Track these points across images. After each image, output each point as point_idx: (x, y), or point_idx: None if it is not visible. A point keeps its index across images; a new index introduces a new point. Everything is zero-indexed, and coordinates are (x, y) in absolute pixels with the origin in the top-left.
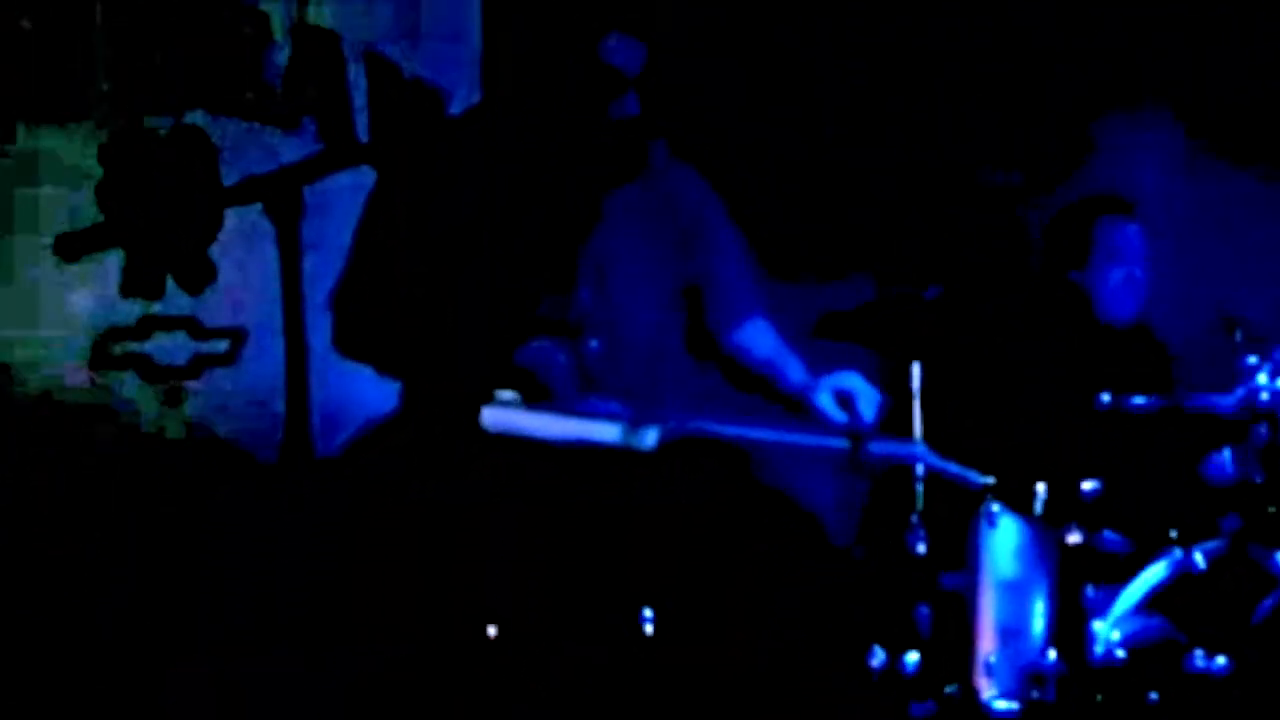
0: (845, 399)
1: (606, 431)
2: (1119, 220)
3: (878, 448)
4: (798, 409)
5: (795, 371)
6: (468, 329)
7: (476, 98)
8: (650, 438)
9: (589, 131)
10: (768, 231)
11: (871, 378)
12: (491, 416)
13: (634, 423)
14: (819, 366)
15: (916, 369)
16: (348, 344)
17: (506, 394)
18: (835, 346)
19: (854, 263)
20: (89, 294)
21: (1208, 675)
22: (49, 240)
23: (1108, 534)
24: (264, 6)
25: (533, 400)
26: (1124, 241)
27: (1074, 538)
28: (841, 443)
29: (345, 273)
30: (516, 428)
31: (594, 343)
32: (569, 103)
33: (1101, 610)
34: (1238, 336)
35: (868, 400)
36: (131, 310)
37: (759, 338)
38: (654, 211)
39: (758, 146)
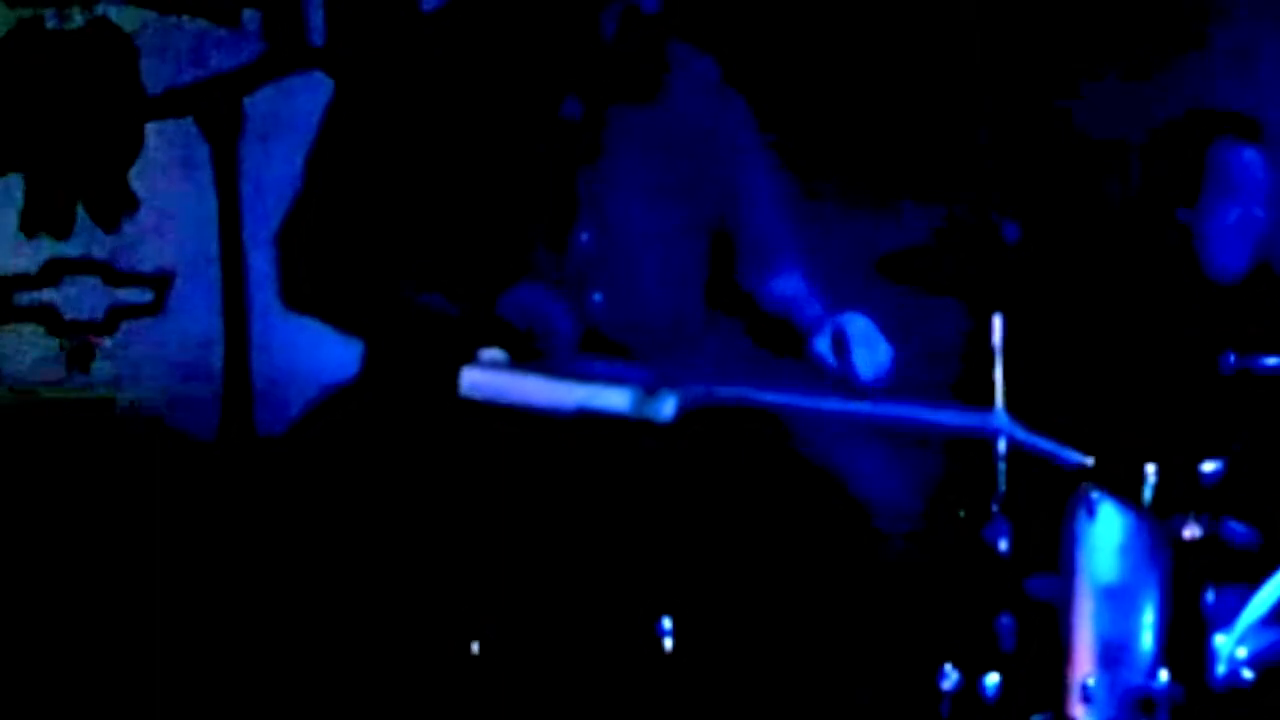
0: (840, 342)
1: (614, 398)
2: (1239, 145)
3: (948, 416)
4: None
5: (812, 309)
6: (443, 276)
7: None
8: (668, 406)
9: (592, 34)
10: (816, 153)
11: (942, 330)
12: (472, 381)
13: (649, 388)
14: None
15: (998, 322)
16: (296, 295)
17: (491, 353)
18: (896, 293)
19: (918, 192)
20: None
21: None
22: None
23: (1232, 524)
24: None
25: (523, 360)
26: (1243, 172)
27: (1191, 531)
28: (916, 415)
29: (294, 206)
30: (503, 394)
31: (597, 295)
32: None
33: (1225, 621)
34: None
35: (867, 347)
36: (34, 251)
37: (788, 286)
38: (671, 136)
39: (803, 54)
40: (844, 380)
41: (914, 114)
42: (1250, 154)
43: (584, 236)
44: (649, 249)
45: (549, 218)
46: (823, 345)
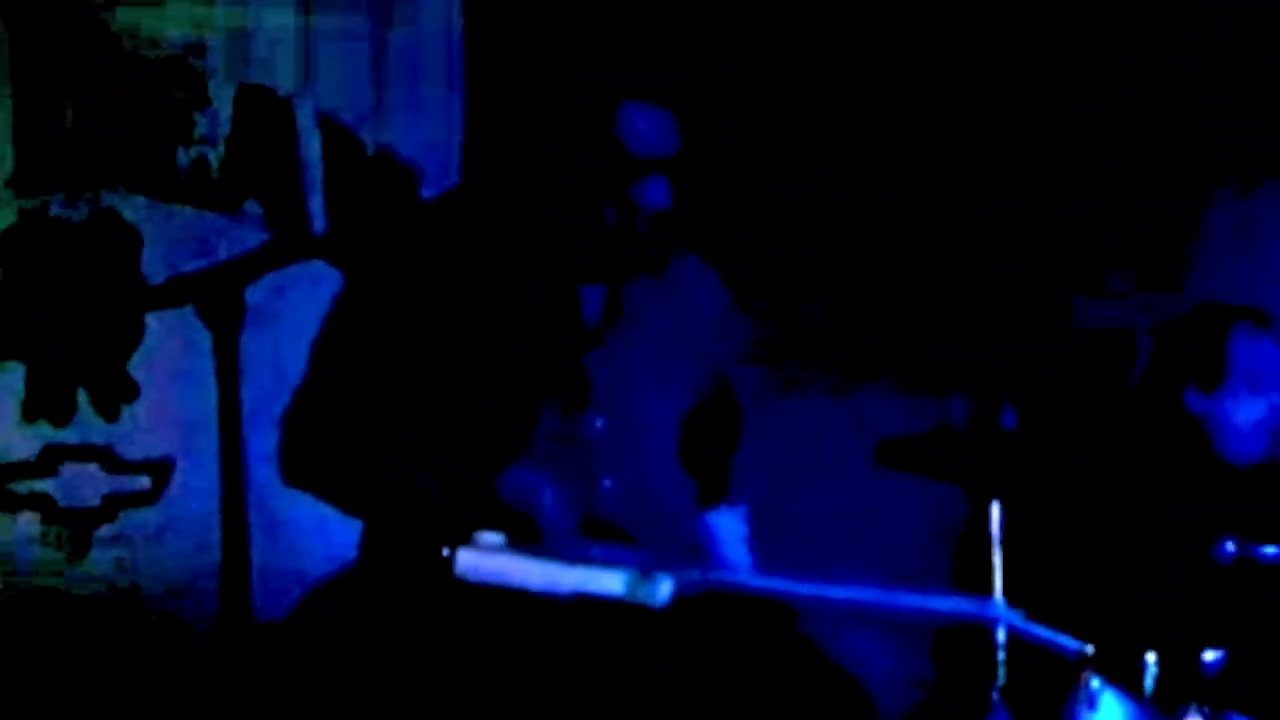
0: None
1: (609, 582)
2: (1259, 335)
3: (946, 604)
4: None
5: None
6: (443, 457)
7: (456, 179)
8: (663, 590)
9: (598, 226)
10: (808, 339)
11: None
12: (468, 562)
13: (644, 571)
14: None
15: (996, 510)
16: (296, 473)
17: (488, 536)
18: (896, 480)
19: (916, 379)
20: None
21: None
22: None
23: (1234, 717)
24: (196, 63)
25: (520, 544)
26: (1266, 363)
27: None
28: (914, 603)
29: (301, 385)
30: (498, 576)
31: (607, 481)
32: (572, 188)
33: None
34: None
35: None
36: (33, 438)
37: (733, 529)
38: (678, 322)
39: (794, 234)
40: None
41: (914, 300)
42: (1269, 344)
43: (597, 423)
44: (661, 436)
45: (556, 402)
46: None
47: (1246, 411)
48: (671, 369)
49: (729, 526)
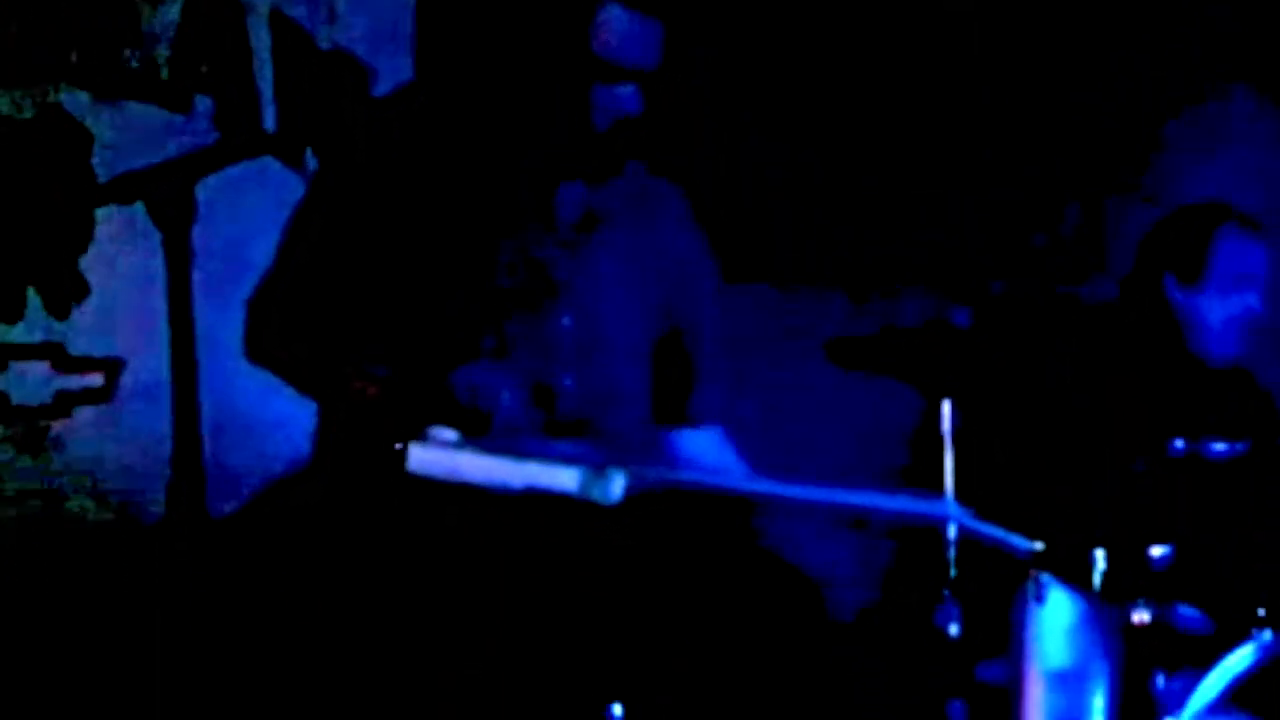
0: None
1: (562, 478)
2: (1246, 237)
3: (897, 503)
4: None
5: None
6: (401, 350)
7: (408, 75)
8: (616, 487)
9: (565, 128)
10: (767, 234)
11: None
12: (420, 457)
13: (597, 468)
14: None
15: (947, 408)
16: (259, 350)
17: (441, 430)
18: (847, 378)
19: (868, 277)
20: None
21: None
22: None
23: (1182, 609)
24: None
25: (473, 439)
26: (1250, 264)
27: (1141, 616)
28: (866, 501)
29: (269, 269)
30: (451, 471)
31: (568, 379)
32: (533, 86)
33: (1175, 706)
34: None
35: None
36: None
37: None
38: (647, 238)
39: (753, 128)
40: None
41: (869, 199)
42: (1257, 248)
43: (565, 320)
44: (624, 336)
45: (519, 299)
46: None
47: (1222, 309)
48: (640, 283)
49: (702, 449)
